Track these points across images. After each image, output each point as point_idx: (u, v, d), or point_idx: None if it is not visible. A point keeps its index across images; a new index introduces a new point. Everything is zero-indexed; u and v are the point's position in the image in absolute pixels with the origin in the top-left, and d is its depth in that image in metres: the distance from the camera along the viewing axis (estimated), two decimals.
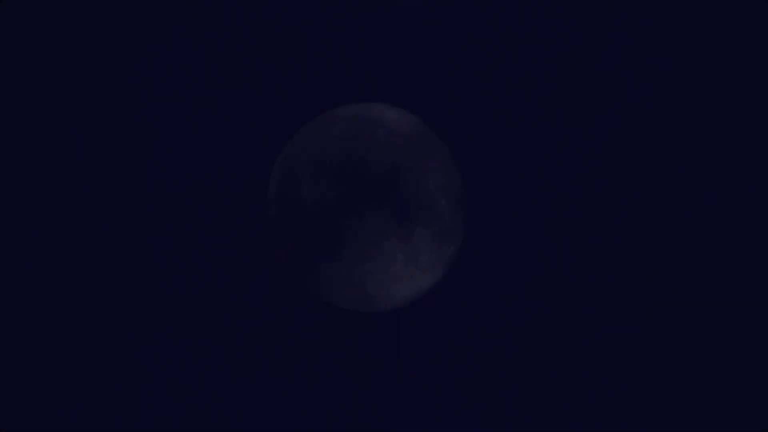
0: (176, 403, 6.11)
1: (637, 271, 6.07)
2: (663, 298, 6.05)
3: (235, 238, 6.10)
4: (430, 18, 6.14)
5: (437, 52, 6.10)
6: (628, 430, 6.06)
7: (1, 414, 6.01)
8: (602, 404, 6.08)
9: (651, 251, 6.06)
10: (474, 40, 6.11)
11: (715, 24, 6.04)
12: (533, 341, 6.09)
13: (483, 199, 6.04)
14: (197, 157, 6.10)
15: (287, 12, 6.16)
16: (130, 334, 6.11)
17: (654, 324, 6.05)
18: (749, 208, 6.02)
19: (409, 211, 5.49)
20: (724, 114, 6.08)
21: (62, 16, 6.11)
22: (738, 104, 6.08)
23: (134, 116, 6.13)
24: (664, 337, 6.04)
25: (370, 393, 6.13)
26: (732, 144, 6.07)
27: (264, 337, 6.12)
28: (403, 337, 6.09)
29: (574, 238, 6.08)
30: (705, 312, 6.04)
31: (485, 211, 6.05)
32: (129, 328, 6.11)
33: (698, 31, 6.05)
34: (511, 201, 6.07)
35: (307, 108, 5.99)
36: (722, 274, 6.05)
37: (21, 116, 6.09)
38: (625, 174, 6.08)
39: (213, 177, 6.10)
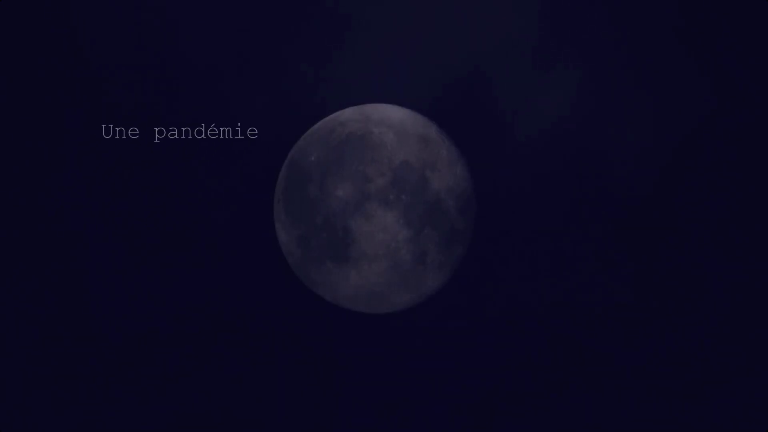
0: (178, 401, 6.09)
1: (640, 272, 6.10)
2: (665, 300, 6.09)
3: (242, 237, 6.08)
4: (437, 18, 6.14)
5: (448, 53, 6.10)
6: (628, 430, 6.11)
7: (1, 414, 5.97)
8: (603, 404, 6.11)
9: (654, 253, 6.10)
10: (483, 41, 6.12)
11: None
12: (536, 341, 6.11)
13: (491, 200, 6.05)
14: (204, 157, 6.07)
15: (295, 13, 6.13)
16: (132, 333, 6.08)
17: (655, 324, 6.10)
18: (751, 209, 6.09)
19: (417, 211, 5.49)
20: (718, 114, 6.15)
21: (68, 17, 6.07)
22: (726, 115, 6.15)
23: (137, 115, 6.09)
24: (665, 338, 6.09)
25: (372, 393, 6.14)
26: (731, 147, 6.13)
27: (270, 336, 6.10)
28: (409, 337, 6.09)
29: (580, 240, 6.10)
30: (705, 312, 6.09)
31: (493, 212, 6.06)
32: (130, 327, 6.08)
33: None
34: (519, 202, 6.09)
35: (315, 108, 5.98)
36: (722, 274, 6.10)
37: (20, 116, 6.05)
38: (630, 176, 6.11)
39: (221, 177, 6.07)
